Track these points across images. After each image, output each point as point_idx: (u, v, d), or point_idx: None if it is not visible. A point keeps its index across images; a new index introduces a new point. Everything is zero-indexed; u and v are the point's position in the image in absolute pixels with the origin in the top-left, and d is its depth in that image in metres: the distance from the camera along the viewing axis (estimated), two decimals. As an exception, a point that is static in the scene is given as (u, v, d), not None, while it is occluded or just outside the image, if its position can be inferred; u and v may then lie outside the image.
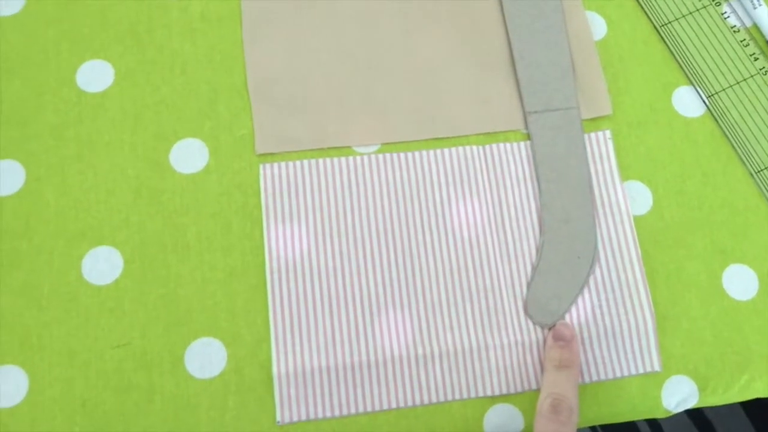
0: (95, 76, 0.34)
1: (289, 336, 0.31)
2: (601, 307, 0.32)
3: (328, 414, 0.30)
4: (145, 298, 0.31)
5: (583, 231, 0.32)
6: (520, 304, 0.31)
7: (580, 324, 0.31)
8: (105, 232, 0.32)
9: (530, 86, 0.34)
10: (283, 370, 0.30)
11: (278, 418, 0.30)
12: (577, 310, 0.32)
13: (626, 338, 0.31)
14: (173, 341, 0.30)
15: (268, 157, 0.33)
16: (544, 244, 0.32)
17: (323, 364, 0.30)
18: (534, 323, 0.31)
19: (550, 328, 0.31)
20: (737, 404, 0.33)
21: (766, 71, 0.35)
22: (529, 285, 0.32)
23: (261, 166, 0.33)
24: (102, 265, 0.31)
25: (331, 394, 0.30)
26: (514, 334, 0.31)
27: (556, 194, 0.33)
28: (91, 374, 0.30)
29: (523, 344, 0.31)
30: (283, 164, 0.33)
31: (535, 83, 0.34)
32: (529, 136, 0.34)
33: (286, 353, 0.30)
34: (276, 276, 0.31)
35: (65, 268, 0.31)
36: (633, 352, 0.31)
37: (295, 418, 0.30)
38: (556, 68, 0.35)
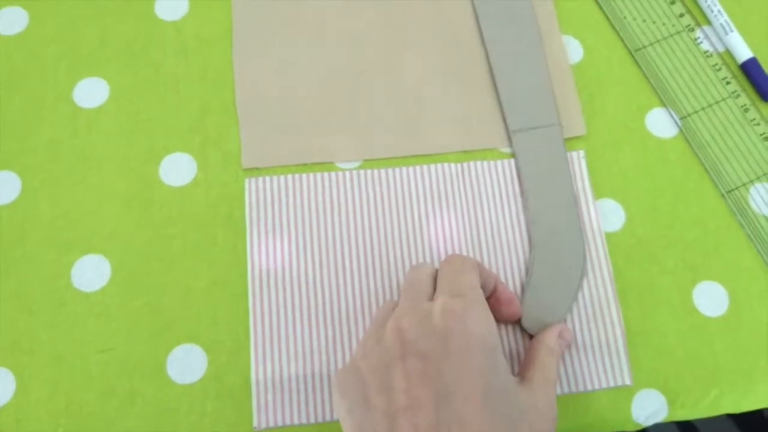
0: (91, 92, 0.36)
1: (268, 344, 0.32)
2: (573, 321, 0.32)
3: (304, 420, 0.31)
4: (130, 305, 0.32)
5: (572, 243, 0.33)
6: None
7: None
8: (95, 241, 0.33)
9: (512, 105, 0.36)
10: (261, 377, 0.31)
11: (255, 423, 0.30)
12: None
13: (598, 352, 0.32)
14: (156, 347, 0.32)
15: (254, 171, 0.35)
16: (534, 258, 0.33)
17: (301, 372, 0.31)
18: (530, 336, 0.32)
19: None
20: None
21: (737, 95, 0.37)
22: (522, 299, 0.32)
23: (246, 180, 0.34)
24: (91, 273, 0.33)
25: (307, 402, 0.31)
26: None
27: (542, 209, 0.34)
28: (77, 377, 0.31)
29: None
30: (267, 178, 0.34)
31: (517, 102, 0.36)
32: (511, 154, 0.35)
33: (264, 361, 0.31)
34: (257, 286, 0.32)
35: (55, 275, 0.32)
36: (604, 366, 0.32)
37: (272, 424, 0.30)
38: (536, 87, 0.36)
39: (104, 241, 0.33)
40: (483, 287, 0.28)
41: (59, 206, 0.34)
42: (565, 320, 0.32)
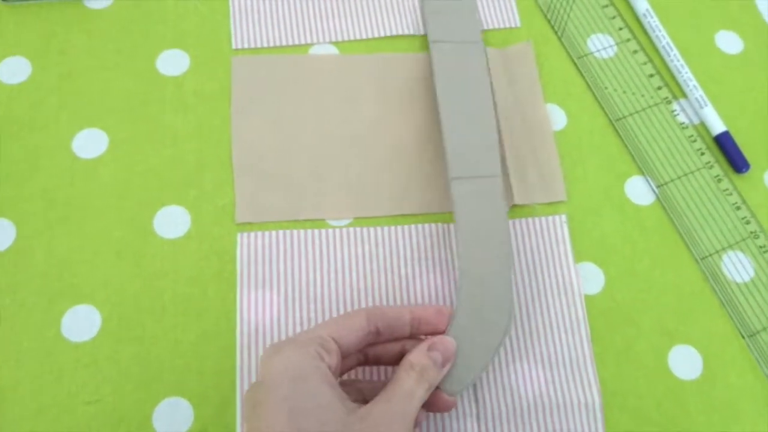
0: (90, 143, 0.37)
1: (254, 398, 0.32)
2: (552, 382, 0.33)
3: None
4: (119, 356, 0.33)
5: (499, 299, 0.32)
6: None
7: (534, 396, 0.33)
8: (86, 291, 0.34)
9: (456, 154, 0.35)
10: (246, 432, 0.31)
11: (239, 479, 0.31)
12: (531, 383, 0.33)
13: (575, 413, 0.33)
14: (143, 399, 0.32)
15: (247, 226, 0.36)
16: (457, 309, 0.32)
17: (286, 427, 0.31)
18: (440, 390, 0.30)
19: (452, 395, 0.30)
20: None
21: (711, 165, 0.38)
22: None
23: (239, 235, 0.35)
24: (81, 323, 0.33)
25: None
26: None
27: (474, 260, 0.33)
28: (62, 429, 0.31)
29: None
30: (259, 233, 0.35)
31: (461, 151, 0.35)
32: None
33: (250, 415, 0.32)
34: (245, 340, 0.33)
35: (45, 325, 0.33)
36: (582, 426, 0.33)
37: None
38: (481, 141, 0.36)
39: (96, 291, 0.34)
40: (390, 327, 0.29)
41: (53, 255, 0.34)
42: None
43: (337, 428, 0.25)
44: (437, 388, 0.29)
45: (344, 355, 0.28)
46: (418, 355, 0.29)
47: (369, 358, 0.31)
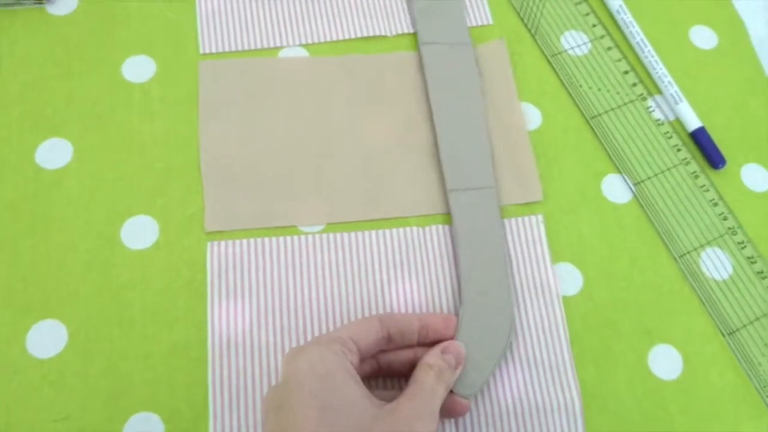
0: (54, 153, 0.36)
1: (227, 412, 0.31)
2: (532, 384, 0.33)
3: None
4: (87, 372, 0.32)
5: (500, 304, 0.34)
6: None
7: (513, 399, 0.32)
8: (52, 305, 0.33)
9: (451, 166, 0.36)
10: (219, 447, 0.31)
11: (211, 495, 0.30)
12: (510, 386, 0.33)
13: (555, 415, 0.32)
14: (112, 415, 0.31)
15: (217, 234, 0.35)
16: (463, 316, 0.33)
17: (260, 440, 0.31)
18: (455, 394, 0.31)
19: (466, 397, 0.31)
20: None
21: (687, 162, 0.38)
22: None
23: (209, 244, 0.34)
24: (46, 339, 0.32)
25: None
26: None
27: (474, 268, 0.34)
28: (28, 449, 0.30)
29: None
30: (230, 242, 0.34)
31: (456, 163, 0.36)
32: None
33: (223, 430, 0.31)
34: (217, 351, 0.32)
35: (9, 341, 0.32)
36: (562, 429, 0.32)
37: (229, 496, 0.30)
38: (475, 151, 0.37)
39: (62, 305, 0.33)
40: (401, 333, 0.30)
41: (17, 268, 0.33)
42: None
43: (368, 423, 0.26)
44: (451, 391, 0.31)
45: (362, 358, 0.29)
46: (433, 357, 0.30)
47: (381, 366, 0.31)
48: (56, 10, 0.39)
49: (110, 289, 0.33)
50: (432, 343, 0.31)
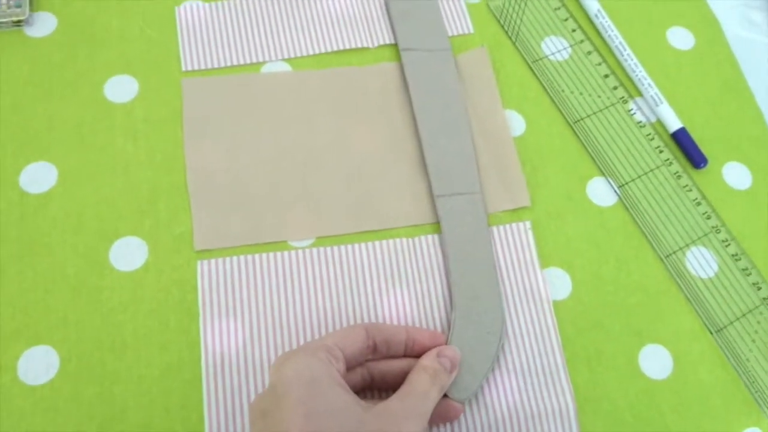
0: (38, 177, 0.36)
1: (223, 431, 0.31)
2: (526, 391, 0.33)
3: None
4: (79, 397, 0.31)
5: (491, 307, 0.34)
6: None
7: (508, 407, 0.33)
8: (42, 331, 0.32)
9: (437, 172, 0.37)
10: (216, 467, 0.31)
11: None
12: (505, 393, 0.33)
13: (550, 421, 0.33)
14: (107, 441, 0.31)
15: (206, 253, 0.35)
16: (455, 320, 0.33)
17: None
18: (449, 398, 0.32)
19: (462, 402, 0.32)
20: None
21: (669, 162, 0.39)
22: None
23: (198, 263, 0.34)
24: (38, 365, 0.32)
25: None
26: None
27: (464, 273, 0.35)
28: (22, 478, 0.30)
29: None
30: (220, 260, 0.34)
31: (442, 170, 0.37)
32: None
33: (220, 449, 0.31)
34: (211, 371, 0.32)
35: (0, 369, 0.32)
36: (558, 434, 0.33)
37: None
38: (460, 156, 0.37)
39: (52, 330, 0.33)
40: (387, 343, 0.31)
41: (5, 295, 0.33)
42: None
43: (355, 427, 0.26)
44: (445, 395, 0.31)
45: (348, 366, 0.29)
46: (429, 360, 0.30)
47: (375, 378, 0.31)
48: (34, 32, 0.39)
49: (101, 312, 0.33)
50: (419, 357, 0.31)
